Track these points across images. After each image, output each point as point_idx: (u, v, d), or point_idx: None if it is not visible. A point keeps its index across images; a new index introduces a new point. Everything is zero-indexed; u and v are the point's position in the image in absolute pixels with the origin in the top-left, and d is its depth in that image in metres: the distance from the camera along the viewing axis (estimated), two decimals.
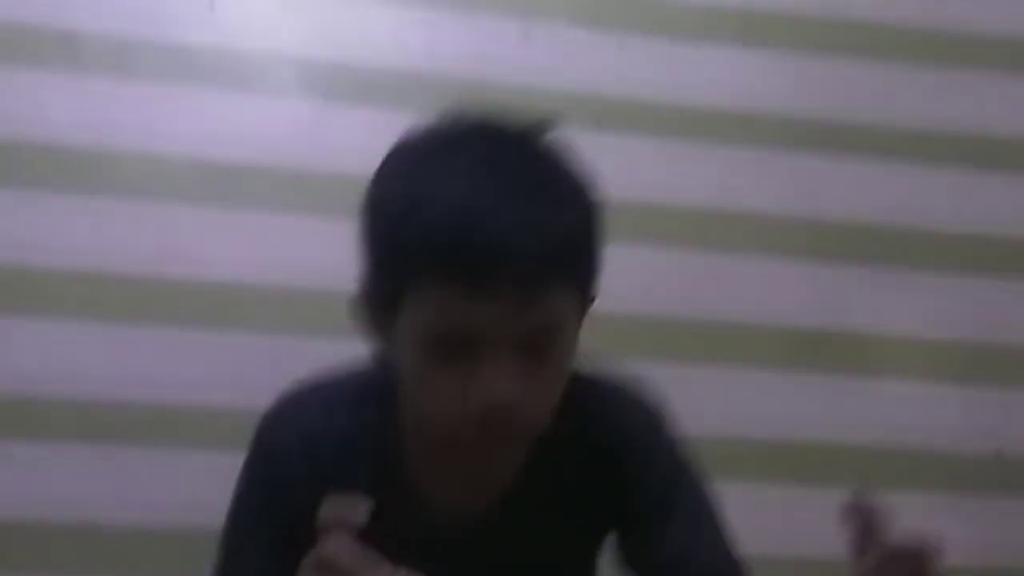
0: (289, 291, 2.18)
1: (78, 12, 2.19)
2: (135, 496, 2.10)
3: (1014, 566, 2.34)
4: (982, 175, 2.43)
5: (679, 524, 1.38)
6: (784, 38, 2.41)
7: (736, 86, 2.38)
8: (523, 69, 2.26)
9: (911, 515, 2.33)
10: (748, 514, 2.28)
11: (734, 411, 2.28)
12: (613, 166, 2.29)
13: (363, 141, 2.23)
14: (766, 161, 2.36)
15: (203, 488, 2.10)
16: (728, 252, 2.33)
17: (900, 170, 2.41)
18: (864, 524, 1.07)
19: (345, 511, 1.06)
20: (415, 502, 1.34)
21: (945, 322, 2.39)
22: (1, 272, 2.11)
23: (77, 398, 2.10)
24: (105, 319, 2.12)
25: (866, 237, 2.38)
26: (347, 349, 2.07)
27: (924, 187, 2.41)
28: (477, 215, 1.14)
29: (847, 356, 2.35)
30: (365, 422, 1.35)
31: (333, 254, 2.19)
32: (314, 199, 2.20)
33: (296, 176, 2.20)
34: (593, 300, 1.28)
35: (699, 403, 2.27)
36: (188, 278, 2.15)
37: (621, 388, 1.41)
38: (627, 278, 2.24)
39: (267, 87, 2.23)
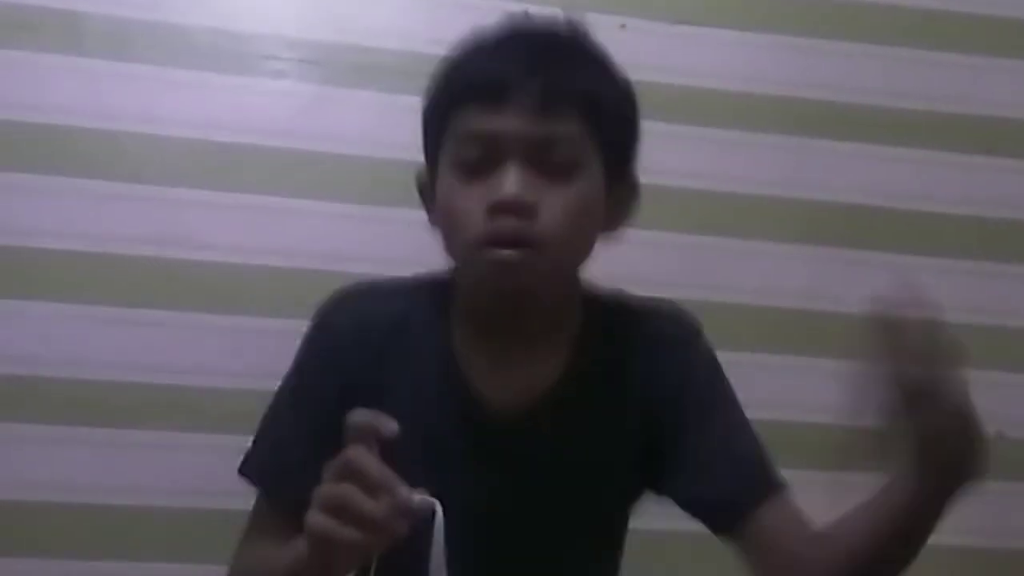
0: (290, 273, 2.18)
1: None
2: (137, 478, 2.11)
3: (1016, 548, 2.35)
4: (985, 158, 2.43)
5: (716, 430, 1.42)
6: (785, 20, 2.41)
7: (737, 68, 2.38)
8: None
9: None
10: None
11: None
12: None
13: (364, 124, 2.24)
14: (767, 144, 2.36)
15: (206, 470, 2.11)
16: (727, 235, 2.33)
17: (902, 153, 2.41)
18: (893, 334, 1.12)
19: (374, 422, 1.09)
20: (463, 395, 1.38)
21: (945, 304, 2.38)
22: (1, 253, 2.11)
23: (78, 380, 2.10)
24: (105, 301, 2.13)
25: (867, 220, 2.38)
26: None
27: (926, 170, 2.41)
28: (496, 59, 1.32)
29: (847, 339, 2.35)
30: (419, 310, 1.42)
31: (334, 236, 2.20)
32: (315, 181, 2.20)
33: (297, 158, 2.20)
34: (632, 179, 1.41)
35: None
36: (188, 260, 2.15)
37: (661, 305, 1.49)
38: (625, 260, 2.23)
39: (267, 69, 2.23)
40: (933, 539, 2.35)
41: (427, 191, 1.41)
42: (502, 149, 1.28)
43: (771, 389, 2.30)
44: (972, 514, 2.34)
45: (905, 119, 2.42)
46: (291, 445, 1.36)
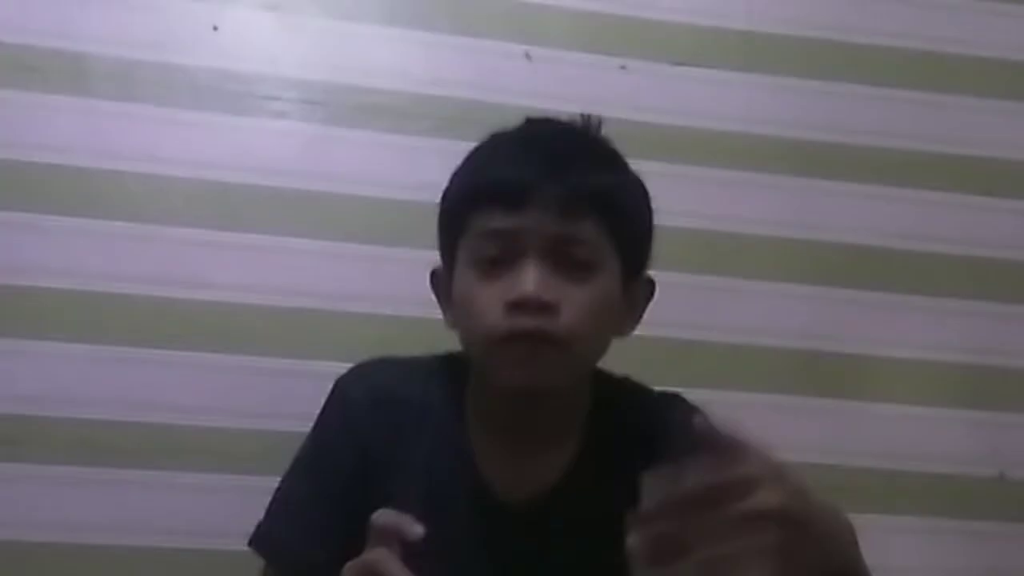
0: (291, 313, 2.18)
1: (82, 35, 2.19)
2: (141, 518, 2.10)
3: None
4: (984, 199, 2.43)
5: None
6: (787, 62, 2.42)
7: (738, 109, 2.38)
8: (525, 91, 2.26)
9: (914, 539, 2.34)
10: None
11: None
12: None
13: (365, 163, 2.25)
14: (767, 184, 2.36)
15: (204, 511, 2.10)
16: (728, 275, 2.33)
17: (902, 194, 2.41)
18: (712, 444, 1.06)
19: (400, 522, 1.09)
20: (474, 481, 1.39)
21: (946, 345, 2.39)
22: (3, 293, 2.11)
23: (80, 420, 2.10)
24: (108, 340, 2.12)
25: (867, 260, 2.38)
26: None
27: (926, 211, 2.41)
28: (516, 162, 1.34)
29: (847, 379, 2.35)
30: (436, 391, 1.43)
31: (335, 276, 2.20)
32: (316, 221, 2.21)
33: (298, 198, 2.21)
34: (648, 281, 1.45)
35: None
36: (191, 299, 2.15)
37: (676, 396, 1.51)
38: None
39: (269, 110, 2.23)
40: None
41: (443, 290, 1.42)
42: (522, 247, 1.30)
43: (767, 430, 2.28)
44: (975, 555, 2.35)
45: (905, 160, 2.42)
46: (306, 517, 1.37)
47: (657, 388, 1.56)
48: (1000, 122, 2.48)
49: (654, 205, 1.44)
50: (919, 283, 2.39)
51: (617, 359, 2.10)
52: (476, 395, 1.41)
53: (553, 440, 1.41)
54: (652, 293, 1.45)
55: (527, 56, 2.31)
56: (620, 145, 2.28)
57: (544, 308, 1.27)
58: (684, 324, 2.29)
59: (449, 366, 1.46)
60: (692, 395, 2.25)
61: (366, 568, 1.07)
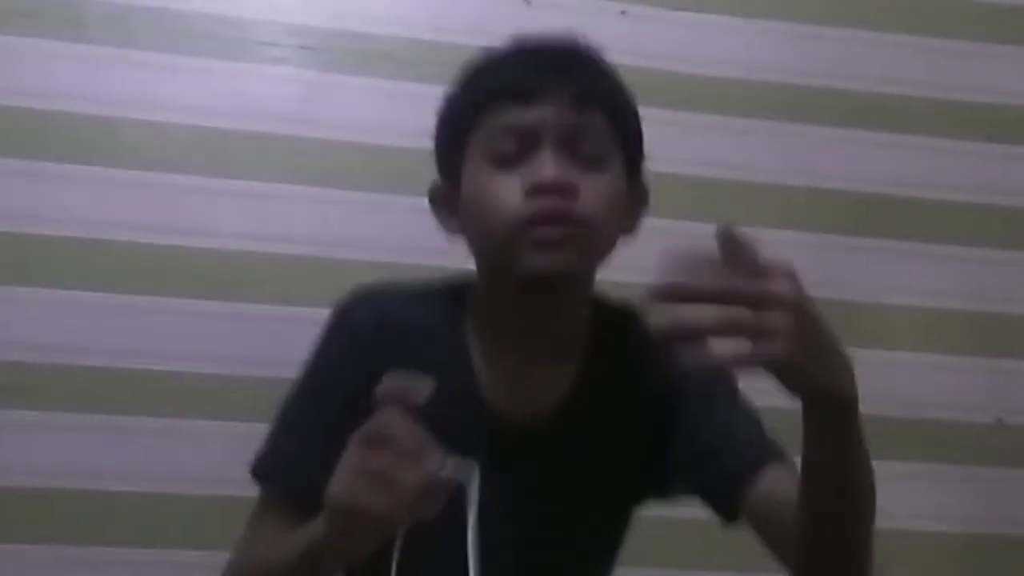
0: (289, 259, 2.18)
1: None
2: (136, 465, 2.11)
3: (1016, 534, 2.35)
4: (983, 145, 2.43)
5: (716, 417, 1.42)
6: (784, 7, 2.41)
7: (738, 55, 2.37)
8: None
9: (913, 484, 2.35)
10: None
11: None
12: None
13: (363, 110, 2.24)
14: (767, 131, 2.36)
15: (206, 457, 2.11)
16: (727, 222, 2.33)
17: (901, 140, 2.40)
18: (733, 249, 1.09)
19: (406, 387, 1.09)
20: (477, 403, 1.38)
21: (945, 292, 2.39)
22: (1, 241, 2.11)
23: (77, 367, 2.10)
24: (105, 288, 2.13)
25: (866, 207, 2.38)
26: None
27: (925, 158, 2.41)
28: (526, 63, 1.37)
29: (846, 326, 2.34)
30: (438, 316, 1.41)
31: (333, 222, 2.20)
32: (314, 168, 2.20)
33: (296, 145, 2.20)
34: (645, 186, 1.45)
35: None
36: (188, 247, 2.15)
37: None
38: (628, 250, 2.23)
39: (267, 56, 2.22)
40: (935, 526, 2.37)
41: (445, 200, 1.41)
42: (537, 140, 1.31)
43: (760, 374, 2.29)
44: (973, 501, 2.36)
45: (905, 106, 2.41)
46: (309, 443, 1.34)
47: None
48: (1000, 68, 2.47)
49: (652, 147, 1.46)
50: (918, 230, 2.39)
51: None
52: (488, 305, 1.41)
53: (558, 357, 1.41)
54: (648, 199, 1.47)
55: (526, 1, 2.30)
56: None
57: (564, 190, 1.28)
58: None
59: (449, 290, 1.45)
60: None
61: (375, 432, 1.06)
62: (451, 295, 1.44)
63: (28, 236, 2.12)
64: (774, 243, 2.42)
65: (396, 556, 1.09)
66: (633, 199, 1.42)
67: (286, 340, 2.12)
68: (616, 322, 1.45)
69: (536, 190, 1.28)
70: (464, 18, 2.27)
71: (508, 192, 1.30)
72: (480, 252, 1.38)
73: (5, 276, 2.10)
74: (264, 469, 1.41)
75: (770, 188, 2.35)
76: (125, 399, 2.11)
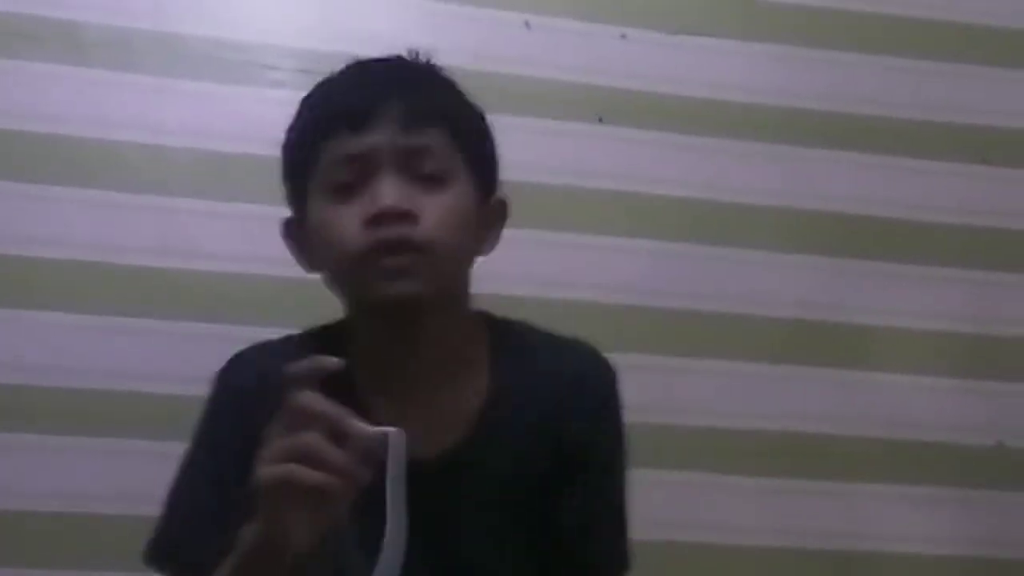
0: (289, 282, 2.16)
1: (79, 2, 2.19)
2: (136, 488, 2.10)
3: (1016, 558, 2.34)
4: (980, 168, 2.43)
5: (606, 494, 1.42)
6: (783, 30, 2.41)
7: (736, 78, 2.38)
8: (524, 60, 2.26)
9: (912, 507, 2.34)
10: (745, 505, 2.30)
11: (732, 404, 2.28)
12: (613, 157, 2.30)
13: None
14: (766, 154, 2.36)
15: None
16: (726, 244, 2.33)
17: (899, 163, 2.41)
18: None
19: (316, 364, 1.08)
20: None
21: (945, 314, 2.39)
22: (0, 263, 2.11)
23: (77, 389, 2.10)
24: (104, 310, 2.12)
25: (865, 230, 2.38)
26: None
27: (924, 180, 2.41)
28: (353, 88, 1.36)
29: (846, 349, 2.35)
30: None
31: None
32: None
33: None
34: (501, 203, 1.40)
35: (697, 396, 2.27)
36: (188, 269, 2.15)
37: (584, 343, 1.45)
38: (628, 269, 2.24)
39: (266, 79, 2.22)
40: (934, 549, 2.36)
41: (296, 236, 1.42)
42: (373, 165, 1.28)
43: (766, 399, 2.30)
44: (973, 524, 2.36)
45: (904, 128, 2.42)
46: (205, 520, 1.30)
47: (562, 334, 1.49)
48: (998, 91, 2.48)
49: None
50: (917, 252, 2.39)
51: (615, 330, 2.10)
52: (361, 338, 1.37)
53: (453, 388, 1.36)
54: (505, 212, 1.41)
55: (526, 25, 2.31)
56: (619, 114, 2.30)
57: (403, 216, 1.25)
58: (683, 294, 2.29)
59: (326, 332, 1.43)
60: (689, 365, 2.27)
61: (297, 412, 1.05)
62: (329, 337, 1.41)
63: (27, 259, 2.12)
64: (773, 266, 2.44)
65: (332, 541, 1.08)
66: (488, 217, 1.38)
67: None
68: (518, 343, 1.41)
69: (374, 220, 1.26)
70: (464, 42, 2.27)
71: (348, 224, 1.28)
72: (334, 285, 1.36)
73: (5, 299, 2.10)
74: (156, 555, 1.36)
75: (769, 211, 2.35)
76: (126, 422, 2.10)
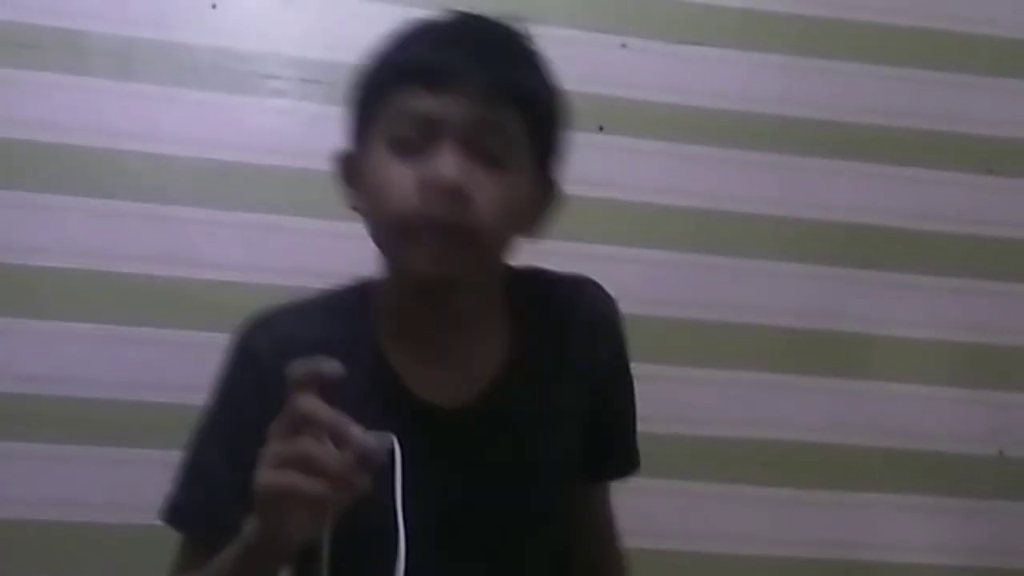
0: (291, 291, 2.17)
1: (81, 12, 2.19)
2: (139, 497, 2.10)
3: (1018, 567, 2.34)
4: (984, 178, 2.43)
5: (629, 408, 1.53)
6: (782, 40, 2.41)
7: (737, 88, 2.38)
8: None
9: (913, 516, 2.34)
10: (746, 515, 2.30)
11: (733, 413, 2.28)
12: (614, 166, 2.30)
13: None
14: (766, 163, 2.36)
15: None
16: (728, 254, 2.33)
17: (901, 173, 2.40)
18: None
19: (318, 368, 1.07)
20: (402, 399, 1.34)
21: (945, 323, 2.39)
22: (3, 272, 2.11)
23: (79, 398, 2.10)
24: (107, 319, 2.13)
25: (866, 239, 2.38)
26: None
27: (925, 190, 2.41)
28: (441, 45, 1.30)
29: (847, 358, 2.35)
30: (339, 324, 1.38)
31: (334, 255, 2.19)
32: (315, 200, 2.20)
33: (297, 177, 2.20)
34: (555, 186, 1.39)
35: (698, 404, 2.27)
36: (190, 278, 2.15)
37: (582, 276, 1.49)
38: (628, 279, 2.24)
39: (268, 88, 2.23)
40: (935, 559, 2.36)
41: (349, 173, 1.39)
42: (440, 130, 1.26)
43: (767, 408, 2.30)
44: (974, 533, 2.36)
45: (900, 138, 2.42)
46: (219, 483, 1.31)
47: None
48: (999, 100, 2.48)
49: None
50: (918, 262, 2.39)
51: None
52: (385, 304, 1.38)
53: (475, 338, 1.38)
54: (558, 198, 1.40)
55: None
56: (619, 123, 2.30)
57: (457, 196, 1.24)
58: (684, 303, 2.30)
59: (349, 293, 1.43)
60: (689, 374, 2.27)
61: (295, 417, 1.05)
62: (351, 299, 1.42)
63: (29, 267, 2.12)
64: (773, 275, 2.45)
65: (327, 541, 1.07)
66: (542, 200, 1.37)
67: None
68: (535, 291, 1.43)
69: (428, 187, 1.24)
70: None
71: (401, 182, 1.26)
72: (373, 235, 1.35)
73: (7, 307, 2.10)
74: (175, 515, 1.39)
75: (770, 220, 2.35)
76: (128, 431, 2.10)
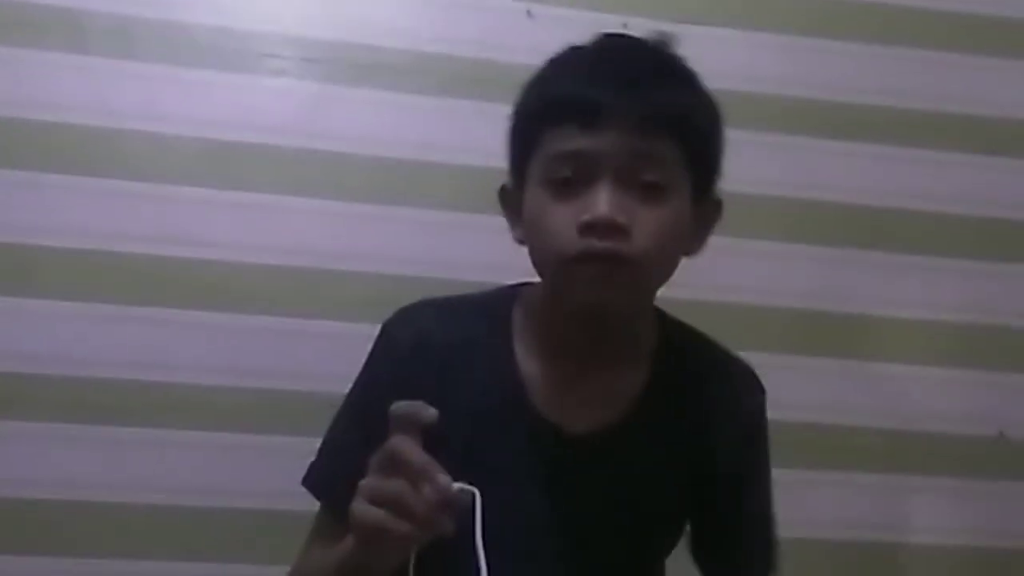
0: (291, 271, 2.17)
1: None
2: (138, 476, 2.11)
3: (1017, 548, 2.34)
4: (989, 158, 2.43)
5: (752, 519, 1.49)
6: (787, 19, 2.40)
7: (739, 67, 2.37)
8: (526, 49, 2.23)
9: (914, 497, 2.34)
10: None
11: None
12: None
13: (365, 122, 2.24)
14: (769, 144, 2.36)
15: (207, 468, 2.11)
16: (729, 235, 2.30)
17: (902, 153, 2.40)
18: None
19: (414, 411, 1.12)
20: (527, 412, 1.38)
21: (948, 305, 2.39)
22: (3, 251, 2.11)
23: (79, 378, 2.10)
24: (107, 299, 2.12)
25: (868, 220, 2.38)
26: (350, 330, 2.07)
27: (926, 170, 2.40)
28: (590, 79, 1.30)
29: (848, 339, 2.35)
30: (482, 329, 1.42)
31: (334, 235, 2.20)
32: (316, 179, 2.20)
33: (297, 156, 2.20)
34: (716, 201, 1.41)
35: None
36: (190, 258, 2.15)
37: (742, 361, 1.54)
38: None
39: (268, 67, 2.22)
40: (936, 539, 2.37)
41: (511, 204, 1.41)
42: (595, 168, 1.28)
43: (769, 389, 2.29)
44: (974, 514, 2.36)
45: (908, 119, 2.41)
46: (352, 458, 1.35)
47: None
48: (1003, 81, 2.47)
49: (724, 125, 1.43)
50: (921, 243, 2.39)
51: None
52: (541, 318, 1.41)
53: (617, 370, 1.41)
54: (719, 213, 1.43)
55: (528, 14, 2.30)
56: None
57: (617, 230, 1.26)
58: (686, 284, 2.28)
59: (495, 302, 1.46)
60: None
61: (388, 457, 1.10)
62: (497, 307, 1.45)
63: (30, 247, 2.12)
64: (775, 256, 2.44)
65: (412, 568, 1.15)
66: (701, 219, 1.39)
67: (287, 352, 2.14)
68: (682, 340, 1.47)
69: (587, 228, 1.26)
70: (466, 30, 2.27)
71: (562, 224, 1.28)
72: (538, 271, 1.37)
73: (8, 287, 2.10)
74: (311, 482, 1.46)
75: (771, 201, 2.35)
76: (128, 410, 2.11)
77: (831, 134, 2.38)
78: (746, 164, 2.33)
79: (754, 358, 2.30)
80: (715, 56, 2.36)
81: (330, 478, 1.42)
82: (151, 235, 2.15)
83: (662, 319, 1.47)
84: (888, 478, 2.32)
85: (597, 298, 1.30)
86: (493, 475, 1.28)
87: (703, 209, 1.39)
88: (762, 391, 1.52)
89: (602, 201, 1.26)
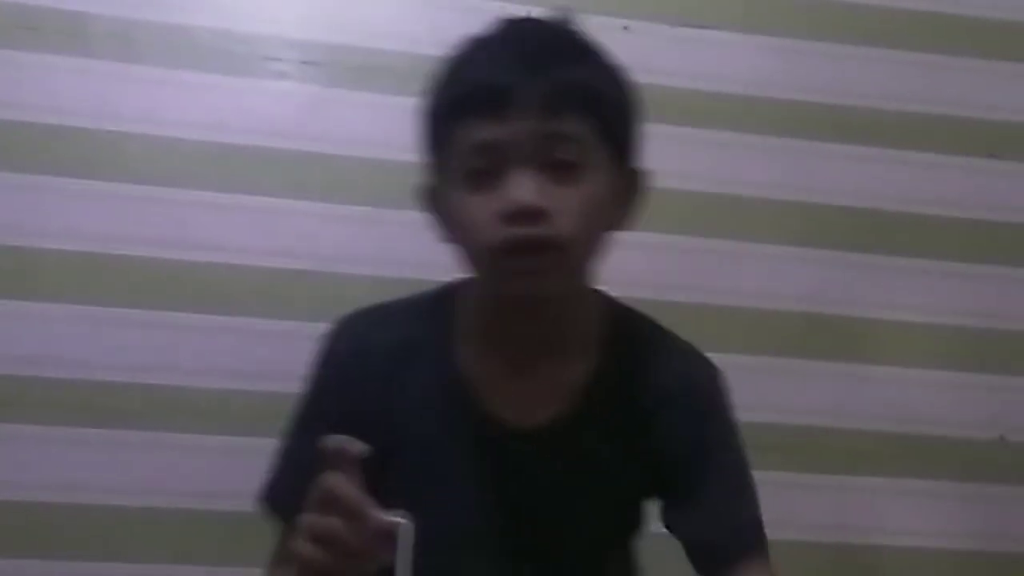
0: (292, 274, 2.18)
1: None
2: (139, 479, 2.11)
3: (1018, 552, 2.34)
4: (987, 161, 2.43)
5: (720, 484, 1.43)
6: (787, 23, 2.41)
7: (740, 71, 2.37)
8: None
9: (914, 501, 2.34)
10: None
11: (734, 397, 2.27)
12: None
13: (365, 125, 2.24)
14: (769, 147, 2.36)
15: (208, 471, 2.11)
16: (728, 238, 2.33)
17: (902, 157, 2.40)
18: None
19: (344, 446, 1.12)
20: (472, 413, 1.38)
21: (948, 308, 2.39)
22: (4, 254, 2.11)
23: (81, 381, 2.10)
24: (108, 302, 2.13)
25: (868, 223, 2.38)
26: None
27: (927, 174, 2.41)
28: (494, 66, 1.30)
29: (850, 342, 2.35)
30: (420, 331, 1.42)
31: (336, 237, 2.20)
32: (317, 182, 2.20)
33: (298, 159, 2.20)
34: (639, 172, 1.39)
35: None
36: (191, 261, 2.15)
37: (695, 348, 1.50)
38: (632, 264, 2.23)
39: (270, 70, 2.22)
40: (936, 543, 2.37)
41: (433, 203, 1.40)
42: (508, 156, 1.27)
43: (770, 392, 2.29)
44: (974, 518, 2.36)
45: (907, 122, 2.41)
46: (301, 472, 1.36)
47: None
48: (1003, 85, 2.47)
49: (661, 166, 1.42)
50: (921, 246, 2.39)
51: None
52: (478, 313, 1.40)
53: (563, 361, 1.40)
54: (642, 183, 1.41)
55: (521, 18, 2.30)
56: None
57: (537, 215, 1.25)
58: (686, 287, 2.29)
59: (435, 302, 1.45)
60: None
61: (322, 494, 1.11)
62: (436, 306, 1.44)
63: (31, 250, 2.12)
64: (775, 259, 2.44)
65: None
66: (625, 191, 1.38)
67: (288, 354, 2.13)
68: (629, 327, 1.45)
69: (508, 218, 1.26)
70: (467, 33, 2.26)
71: (481, 216, 1.28)
72: (468, 267, 1.37)
73: (9, 290, 2.11)
74: (263, 498, 1.45)
75: (771, 204, 2.35)
76: (130, 413, 2.11)
77: (832, 137, 2.38)
78: (746, 167, 2.34)
79: (755, 361, 2.31)
80: (715, 59, 2.38)
81: (282, 494, 1.43)
82: (152, 238, 2.15)
83: (610, 306, 1.45)
84: (888, 482, 2.32)
85: (529, 286, 1.29)
86: (443, 476, 1.29)
87: (624, 181, 1.37)
88: (713, 368, 1.49)
89: (519, 188, 1.25)
